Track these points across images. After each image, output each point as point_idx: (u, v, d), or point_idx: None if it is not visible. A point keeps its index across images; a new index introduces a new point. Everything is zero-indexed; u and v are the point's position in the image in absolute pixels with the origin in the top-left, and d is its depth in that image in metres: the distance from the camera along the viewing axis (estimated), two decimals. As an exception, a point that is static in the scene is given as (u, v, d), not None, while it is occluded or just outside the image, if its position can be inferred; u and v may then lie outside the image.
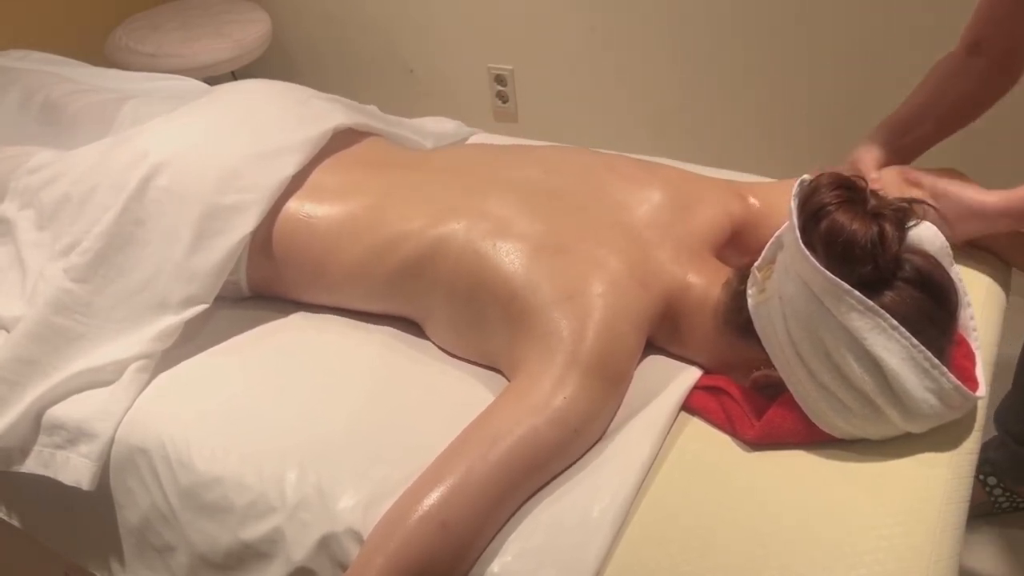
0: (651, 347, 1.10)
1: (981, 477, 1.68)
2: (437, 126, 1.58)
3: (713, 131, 2.32)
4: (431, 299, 1.12)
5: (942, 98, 1.25)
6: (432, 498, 0.89)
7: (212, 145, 1.21)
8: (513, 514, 0.94)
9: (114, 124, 1.45)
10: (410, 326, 1.19)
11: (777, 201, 1.20)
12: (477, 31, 2.51)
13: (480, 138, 1.61)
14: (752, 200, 1.20)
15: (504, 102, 2.59)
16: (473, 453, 0.92)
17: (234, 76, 2.48)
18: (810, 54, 2.10)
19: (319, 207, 1.19)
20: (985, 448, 1.67)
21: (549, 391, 0.96)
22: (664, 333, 1.09)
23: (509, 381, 1.06)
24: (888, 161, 1.24)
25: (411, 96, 2.73)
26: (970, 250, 1.21)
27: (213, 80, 1.77)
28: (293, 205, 1.19)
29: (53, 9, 2.50)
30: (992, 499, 1.68)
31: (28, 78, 1.65)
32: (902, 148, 1.25)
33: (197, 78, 1.74)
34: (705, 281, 1.07)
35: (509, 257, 1.05)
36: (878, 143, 1.25)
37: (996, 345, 1.11)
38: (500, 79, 2.55)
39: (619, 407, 1.03)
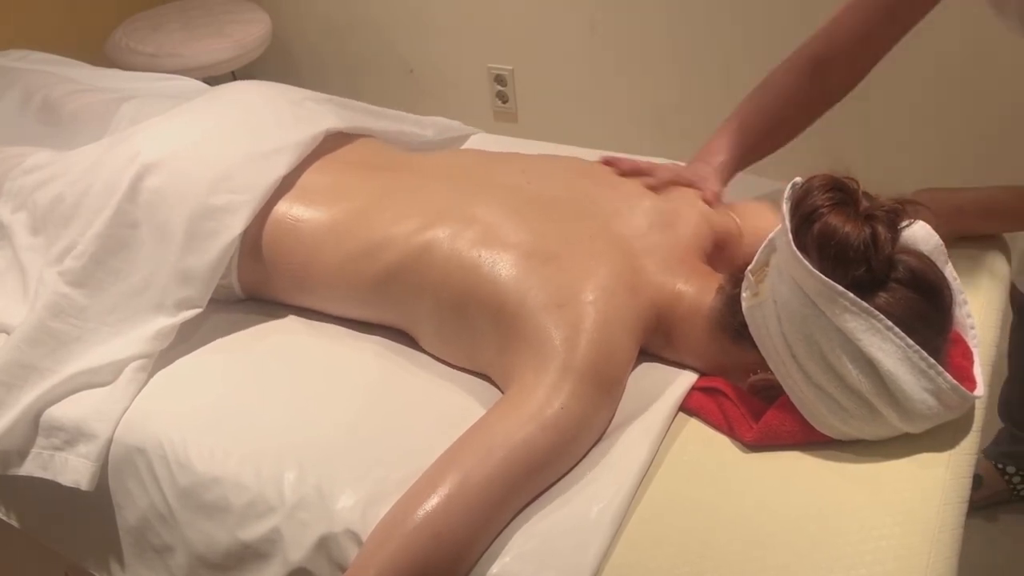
0: (646, 354, 1.10)
1: (1000, 466, 1.70)
2: (437, 122, 1.57)
3: (713, 131, 2.32)
4: (417, 307, 1.11)
5: (783, 124, 1.26)
6: (427, 507, 0.89)
7: (205, 146, 1.21)
8: (511, 520, 0.94)
9: (112, 124, 1.45)
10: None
11: (755, 216, 1.21)
12: (477, 31, 2.51)
13: (480, 138, 1.61)
14: (732, 215, 1.21)
15: (504, 102, 2.59)
16: (468, 463, 0.92)
17: (234, 76, 2.48)
18: (810, 54, 2.10)
19: (306, 210, 1.18)
20: (998, 441, 1.69)
21: (544, 400, 0.95)
22: (658, 341, 1.09)
23: (501, 389, 1.06)
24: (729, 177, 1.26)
25: (411, 96, 2.73)
26: (971, 251, 1.21)
27: (213, 80, 1.77)
28: (281, 207, 1.19)
29: (53, 9, 2.50)
30: (1012, 487, 1.70)
31: (28, 78, 1.65)
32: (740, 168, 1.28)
33: (197, 78, 1.74)
34: (696, 288, 1.07)
35: (497, 266, 1.04)
36: (718, 174, 1.25)
37: (995, 346, 1.11)
38: (500, 79, 2.55)
39: (614, 414, 1.02)
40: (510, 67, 2.53)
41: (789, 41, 2.09)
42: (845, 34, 1.21)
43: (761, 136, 1.27)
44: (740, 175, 1.39)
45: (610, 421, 1.02)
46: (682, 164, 1.32)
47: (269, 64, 2.71)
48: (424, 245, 1.09)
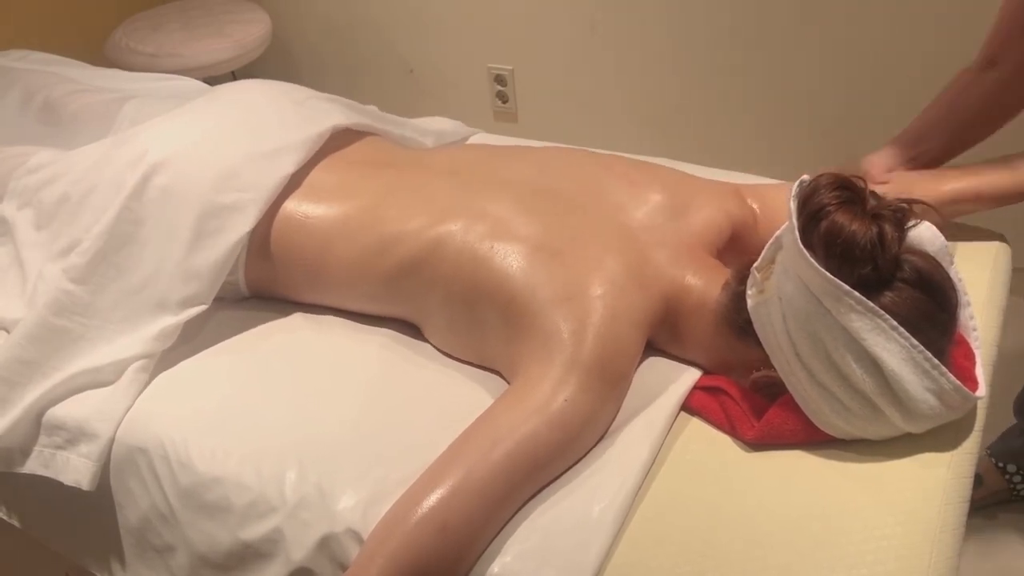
0: (651, 348, 1.10)
1: (1001, 465, 1.69)
2: (437, 125, 1.58)
3: (713, 131, 2.32)
4: (428, 301, 1.12)
5: (955, 113, 1.25)
6: (432, 500, 0.89)
7: (211, 144, 1.21)
8: (513, 515, 0.94)
9: (114, 124, 1.45)
10: (409, 327, 1.19)
11: (776, 204, 1.20)
12: (477, 31, 2.51)
13: (480, 138, 1.61)
14: (751, 202, 1.20)
15: (504, 102, 2.59)
16: (473, 455, 0.92)
17: (234, 76, 2.48)
18: (810, 54, 2.10)
19: (316, 207, 1.18)
20: (1005, 437, 1.69)
21: (549, 393, 0.96)
22: (664, 334, 1.09)
23: (508, 382, 1.06)
24: (897, 169, 1.26)
25: (411, 96, 2.73)
26: (973, 250, 1.21)
27: (213, 80, 1.77)
28: (290, 205, 1.19)
29: (53, 9, 2.50)
30: (1011, 486, 1.69)
31: (28, 78, 1.65)
32: (914, 159, 1.26)
33: (197, 78, 1.74)
34: (704, 282, 1.07)
35: (507, 259, 1.05)
36: (888, 153, 1.27)
37: (996, 345, 1.11)
38: (500, 79, 2.55)
39: (619, 408, 1.03)
40: (510, 67, 2.53)
41: (789, 41, 2.09)
42: (1011, 18, 1.18)
43: (923, 134, 1.26)
44: (742, 175, 1.40)
45: (615, 415, 1.02)
46: (690, 166, 1.32)
47: (269, 64, 2.71)
48: (436, 239, 1.09)
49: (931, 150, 1.26)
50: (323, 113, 1.30)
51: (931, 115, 1.27)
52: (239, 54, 2.45)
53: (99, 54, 2.44)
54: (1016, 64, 1.19)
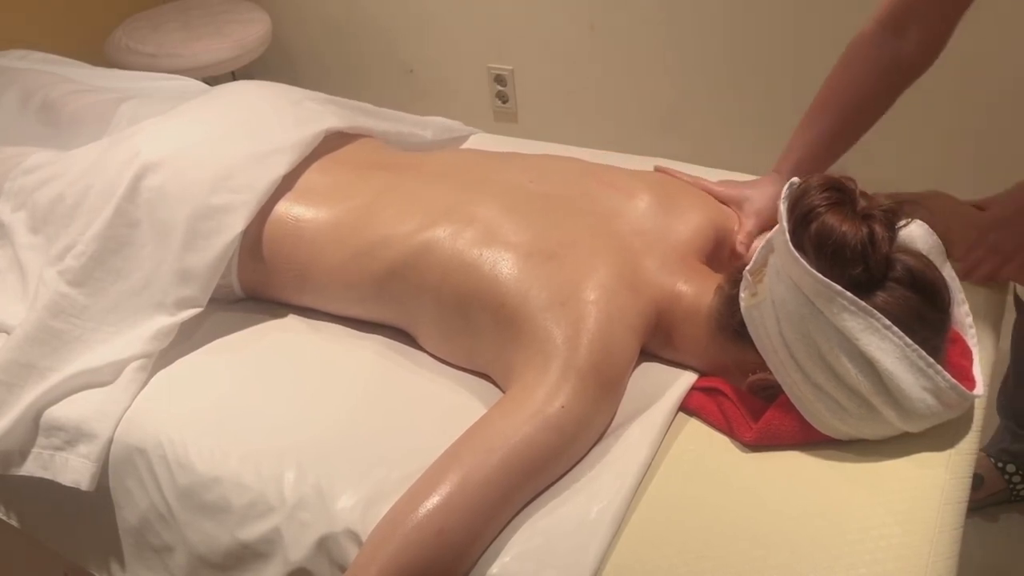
0: (646, 354, 1.10)
1: (1000, 465, 1.69)
2: (436, 124, 1.58)
3: (713, 131, 2.32)
4: (418, 306, 1.11)
5: (859, 110, 1.19)
6: (428, 505, 0.89)
7: (205, 146, 1.21)
8: (512, 518, 0.94)
9: (112, 124, 1.45)
10: (404, 333, 1.18)
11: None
12: (477, 31, 2.51)
13: (480, 138, 1.61)
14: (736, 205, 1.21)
15: (504, 102, 2.59)
16: (470, 460, 0.92)
17: (234, 76, 2.48)
18: (810, 53, 2.10)
19: (307, 210, 1.18)
20: (997, 439, 1.68)
21: (544, 398, 0.95)
22: (658, 340, 1.09)
23: (500, 387, 1.06)
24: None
25: (411, 96, 2.73)
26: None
27: (213, 80, 1.77)
28: (282, 207, 1.19)
29: (53, 9, 2.50)
30: (1011, 486, 1.69)
31: (27, 78, 1.65)
32: (801, 162, 1.22)
33: (197, 78, 1.75)
34: (695, 288, 1.07)
35: (498, 264, 1.04)
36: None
37: (994, 345, 1.11)
38: (500, 79, 2.55)
39: (615, 412, 1.02)
40: (510, 67, 2.53)
41: (788, 40, 2.09)
42: None
43: (836, 133, 1.21)
44: (742, 175, 1.39)
45: (611, 421, 1.02)
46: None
47: (269, 64, 2.71)
48: (425, 244, 1.09)
49: (818, 138, 1.22)
50: (317, 115, 1.30)
51: (830, 127, 1.20)
52: (239, 54, 2.45)
53: (99, 54, 2.44)
54: (930, 31, 1.12)
